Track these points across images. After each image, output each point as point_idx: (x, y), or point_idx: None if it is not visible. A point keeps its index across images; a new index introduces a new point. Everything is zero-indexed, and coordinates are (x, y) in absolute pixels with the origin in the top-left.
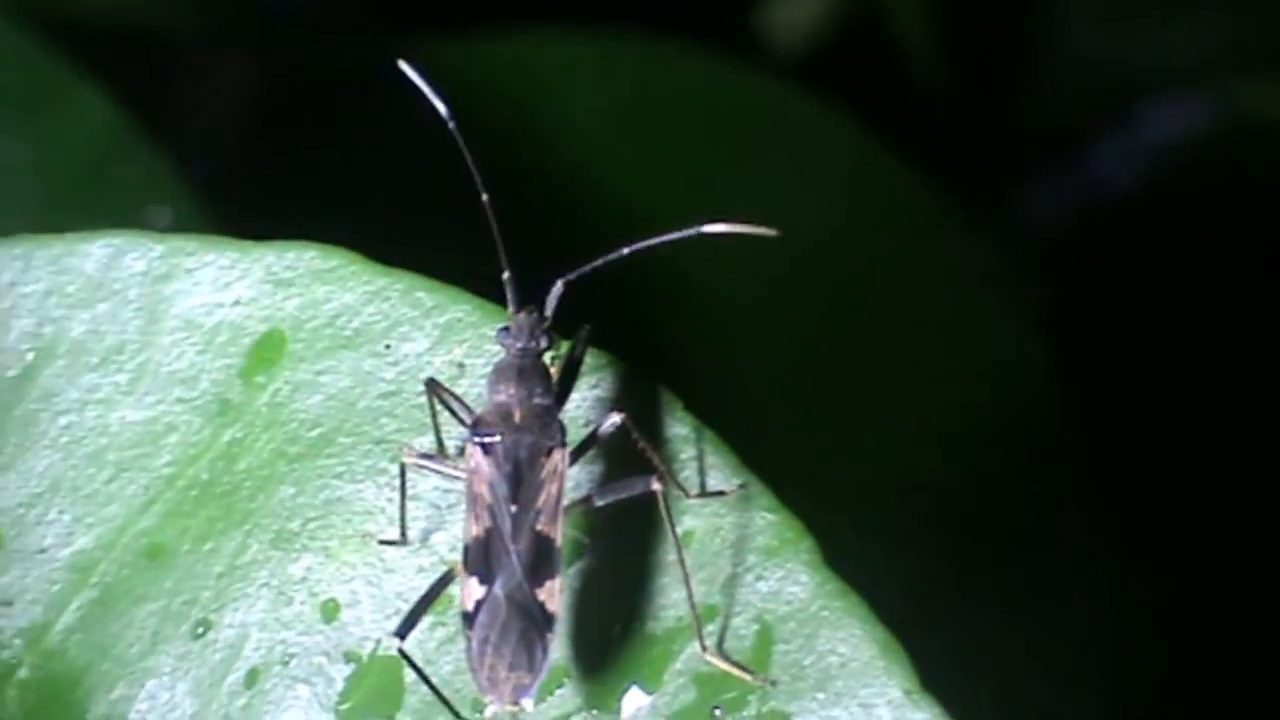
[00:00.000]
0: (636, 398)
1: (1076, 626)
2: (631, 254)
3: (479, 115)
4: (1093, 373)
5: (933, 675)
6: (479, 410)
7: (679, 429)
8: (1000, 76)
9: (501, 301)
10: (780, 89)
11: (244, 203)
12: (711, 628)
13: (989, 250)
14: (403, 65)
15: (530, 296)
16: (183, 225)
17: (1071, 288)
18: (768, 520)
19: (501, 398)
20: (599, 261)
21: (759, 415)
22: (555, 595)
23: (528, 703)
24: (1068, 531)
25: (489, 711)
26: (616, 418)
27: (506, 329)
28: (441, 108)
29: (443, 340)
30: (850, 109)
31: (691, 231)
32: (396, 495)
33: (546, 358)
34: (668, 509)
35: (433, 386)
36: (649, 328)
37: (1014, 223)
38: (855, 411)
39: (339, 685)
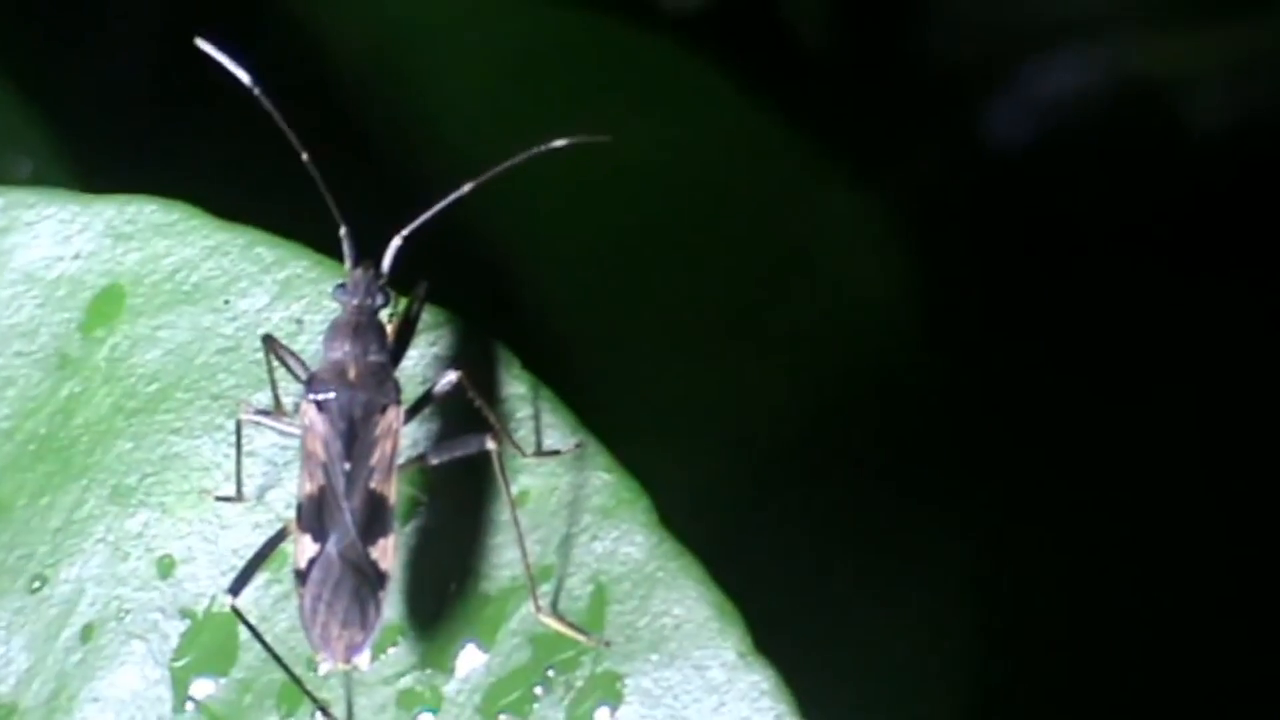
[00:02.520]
0: (474, 355)
1: (928, 589)
2: (472, 190)
3: (338, 67)
4: (967, 333)
5: (771, 637)
6: (314, 367)
7: (516, 387)
8: (890, 36)
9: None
10: (663, 46)
11: (109, 157)
12: (546, 588)
13: (873, 206)
14: (200, 44)
15: (372, 252)
16: (41, 176)
17: (955, 244)
18: (604, 480)
19: (337, 355)
20: (434, 209)
21: (599, 370)
22: (389, 553)
23: (361, 660)
24: (921, 487)
25: (323, 669)
26: (453, 375)
27: (343, 285)
28: (244, 77)
29: (282, 296)
30: (736, 71)
31: (531, 153)
32: (233, 451)
33: (383, 314)
34: (503, 468)
35: (270, 343)
36: (490, 284)
37: (900, 179)
38: (714, 361)
39: (174, 641)
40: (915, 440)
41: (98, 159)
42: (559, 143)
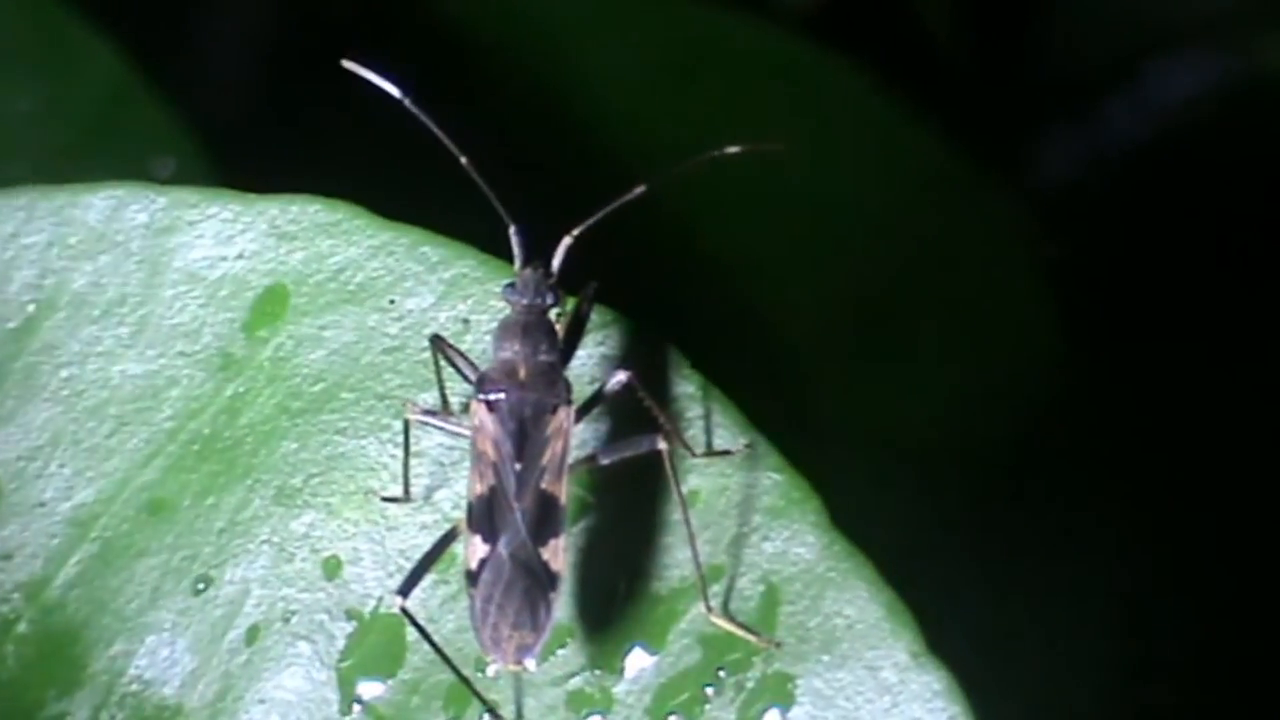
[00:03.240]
0: (643, 355)
1: (1083, 591)
2: (644, 193)
3: (495, 70)
4: (1100, 332)
5: (938, 638)
6: (484, 367)
7: (686, 387)
8: (1015, 32)
9: (508, 257)
10: (796, 44)
11: (249, 155)
12: (717, 588)
13: (1003, 205)
14: (347, 64)
15: (539, 252)
16: (186, 177)
17: (1083, 244)
18: (774, 480)
19: (507, 354)
20: (605, 210)
21: (769, 373)
22: (559, 554)
23: (530, 662)
24: (1073, 494)
25: (491, 670)
26: (623, 375)
27: (512, 285)
28: (394, 91)
29: (448, 296)
30: (865, 65)
31: (704, 158)
32: (400, 452)
33: (552, 314)
34: (673, 468)
35: (437, 342)
36: (657, 285)
37: (1026, 178)
38: (866, 366)
39: (340, 643)
40: (1062, 448)
41: (240, 160)
42: (733, 149)
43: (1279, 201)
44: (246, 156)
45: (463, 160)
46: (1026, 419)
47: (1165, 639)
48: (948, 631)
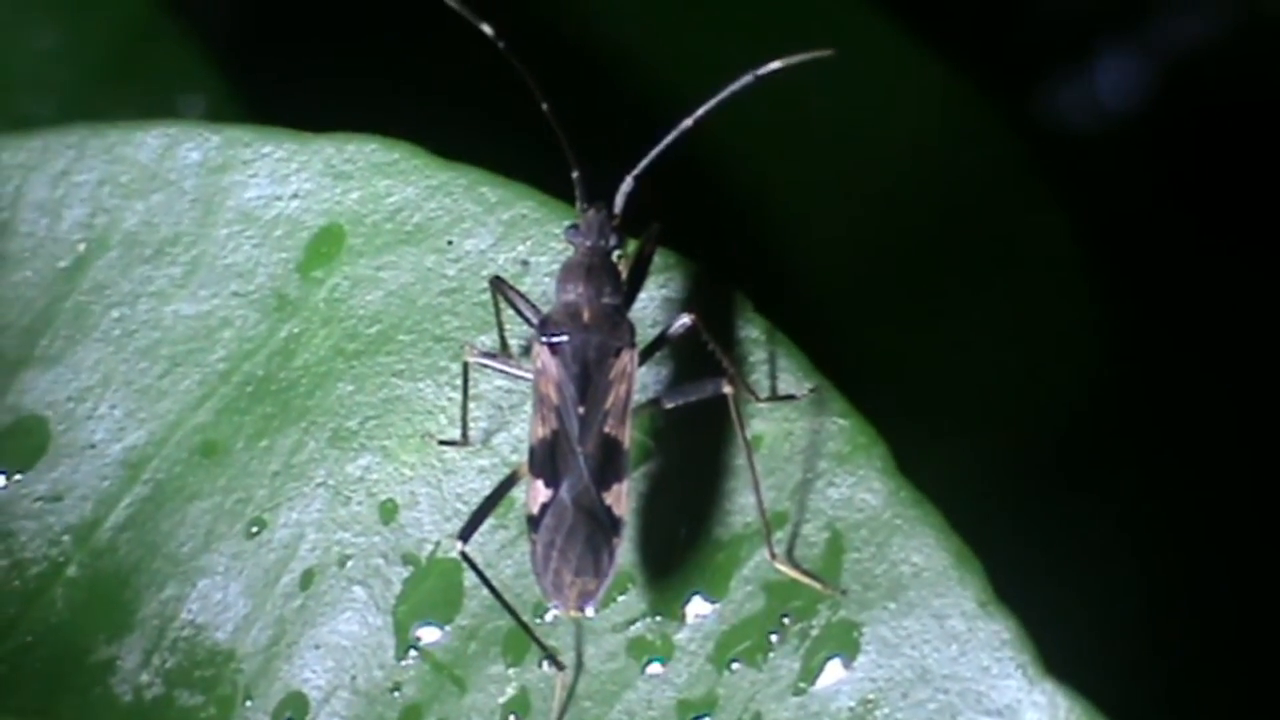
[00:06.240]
0: (706, 299)
1: (1139, 546)
2: (696, 123)
3: (546, 13)
4: (1125, 292)
5: (1005, 586)
6: (546, 309)
7: (750, 331)
8: None
9: (565, 197)
10: None
11: (276, 93)
12: (780, 535)
13: (1022, 153)
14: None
15: (599, 193)
16: (215, 113)
17: (1091, 189)
18: (840, 425)
19: (570, 297)
20: (659, 146)
21: (831, 319)
22: (622, 499)
23: (591, 609)
24: (1115, 454)
25: (550, 617)
26: (686, 319)
27: (575, 226)
28: (488, 31)
29: (506, 237)
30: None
31: (748, 78)
32: (458, 395)
33: (615, 256)
34: (738, 412)
35: (497, 284)
36: (720, 227)
37: (1034, 125)
38: (924, 316)
39: (396, 588)
40: (1108, 406)
41: (269, 98)
42: (775, 64)
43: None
44: (273, 96)
45: (544, 105)
46: (1070, 366)
47: (1206, 586)
48: (1009, 581)
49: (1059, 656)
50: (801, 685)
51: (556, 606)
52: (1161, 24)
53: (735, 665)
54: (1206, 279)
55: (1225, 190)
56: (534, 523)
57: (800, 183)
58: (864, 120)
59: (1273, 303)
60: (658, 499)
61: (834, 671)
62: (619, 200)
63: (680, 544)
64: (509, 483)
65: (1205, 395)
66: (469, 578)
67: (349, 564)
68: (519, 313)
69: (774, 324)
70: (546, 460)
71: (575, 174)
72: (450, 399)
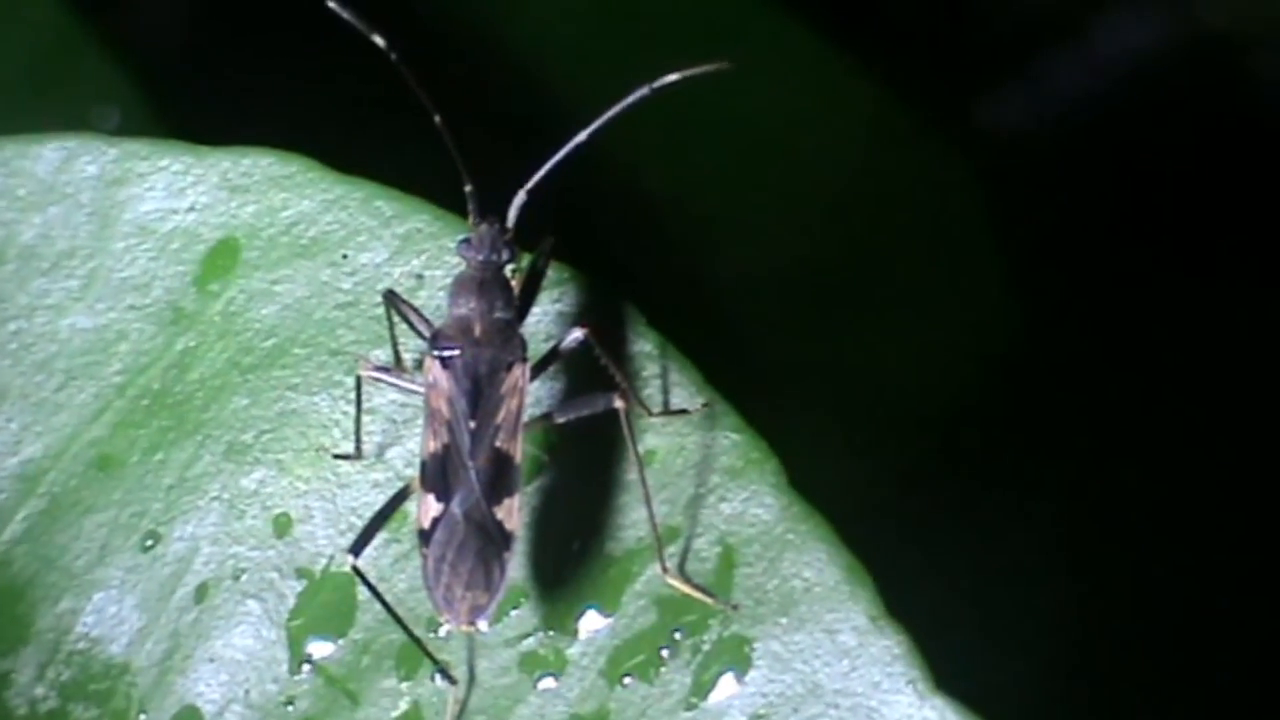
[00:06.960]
0: (600, 312)
1: (1037, 555)
2: (590, 137)
3: (443, 24)
4: (1047, 285)
5: (897, 600)
6: (438, 323)
7: (643, 345)
8: None
9: (463, 210)
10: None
11: (193, 104)
12: (673, 549)
13: (951, 158)
14: (332, 4)
15: (492, 208)
16: (130, 127)
17: (1029, 199)
18: (732, 440)
19: (462, 311)
20: (556, 158)
21: (740, 330)
22: (514, 514)
23: (483, 623)
24: (1019, 451)
25: (443, 631)
26: (579, 333)
27: (467, 241)
28: (380, 42)
29: (402, 251)
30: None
31: (643, 90)
32: (352, 408)
33: (508, 270)
34: (630, 427)
35: (391, 298)
36: (627, 240)
37: (970, 131)
38: (823, 322)
39: (290, 601)
40: (1010, 404)
41: (184, 112)
42: (672, 77)
43: (1214, 156)
44: (189, 108)
45: (436, 118)
46: (977, 374)
47: (1112, 595)
48: (906, 593)
49: (952, 670)
50: (693, 700)
51: (449, 621)
52: (1104, 34)
53: (628, 680)
54: (1142, 291)
55: (1164, 198)
56: (425, 537)
57: (711, 192)
58: (780, 127)
59: (1207, 316)
60: (551, 513)
61: (726, 686)
62: (512, 214)
63: (573, 559)
64: (401, 496)
65: (1121, 414)
66: (362, 592)
67: (243, 578)
68: (412, 327)
69: (670, 337)
70: (438, 474)
71: (468, 188)
72: (345, 413)
